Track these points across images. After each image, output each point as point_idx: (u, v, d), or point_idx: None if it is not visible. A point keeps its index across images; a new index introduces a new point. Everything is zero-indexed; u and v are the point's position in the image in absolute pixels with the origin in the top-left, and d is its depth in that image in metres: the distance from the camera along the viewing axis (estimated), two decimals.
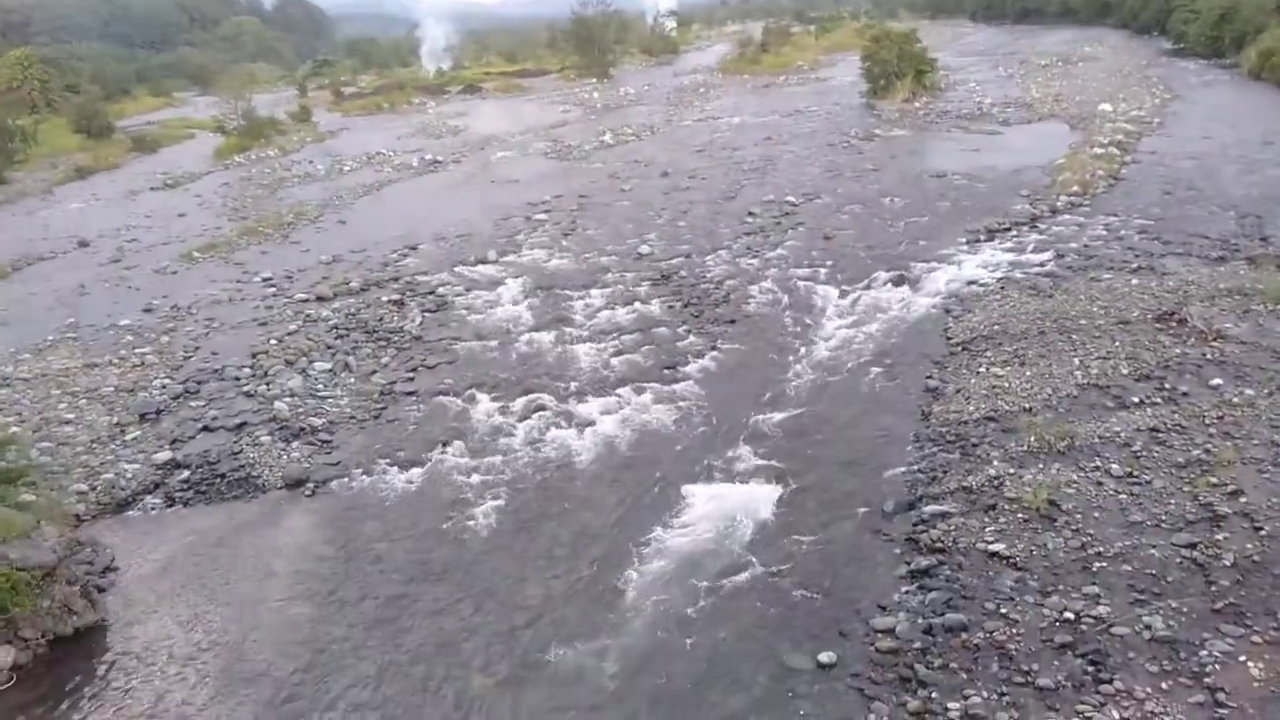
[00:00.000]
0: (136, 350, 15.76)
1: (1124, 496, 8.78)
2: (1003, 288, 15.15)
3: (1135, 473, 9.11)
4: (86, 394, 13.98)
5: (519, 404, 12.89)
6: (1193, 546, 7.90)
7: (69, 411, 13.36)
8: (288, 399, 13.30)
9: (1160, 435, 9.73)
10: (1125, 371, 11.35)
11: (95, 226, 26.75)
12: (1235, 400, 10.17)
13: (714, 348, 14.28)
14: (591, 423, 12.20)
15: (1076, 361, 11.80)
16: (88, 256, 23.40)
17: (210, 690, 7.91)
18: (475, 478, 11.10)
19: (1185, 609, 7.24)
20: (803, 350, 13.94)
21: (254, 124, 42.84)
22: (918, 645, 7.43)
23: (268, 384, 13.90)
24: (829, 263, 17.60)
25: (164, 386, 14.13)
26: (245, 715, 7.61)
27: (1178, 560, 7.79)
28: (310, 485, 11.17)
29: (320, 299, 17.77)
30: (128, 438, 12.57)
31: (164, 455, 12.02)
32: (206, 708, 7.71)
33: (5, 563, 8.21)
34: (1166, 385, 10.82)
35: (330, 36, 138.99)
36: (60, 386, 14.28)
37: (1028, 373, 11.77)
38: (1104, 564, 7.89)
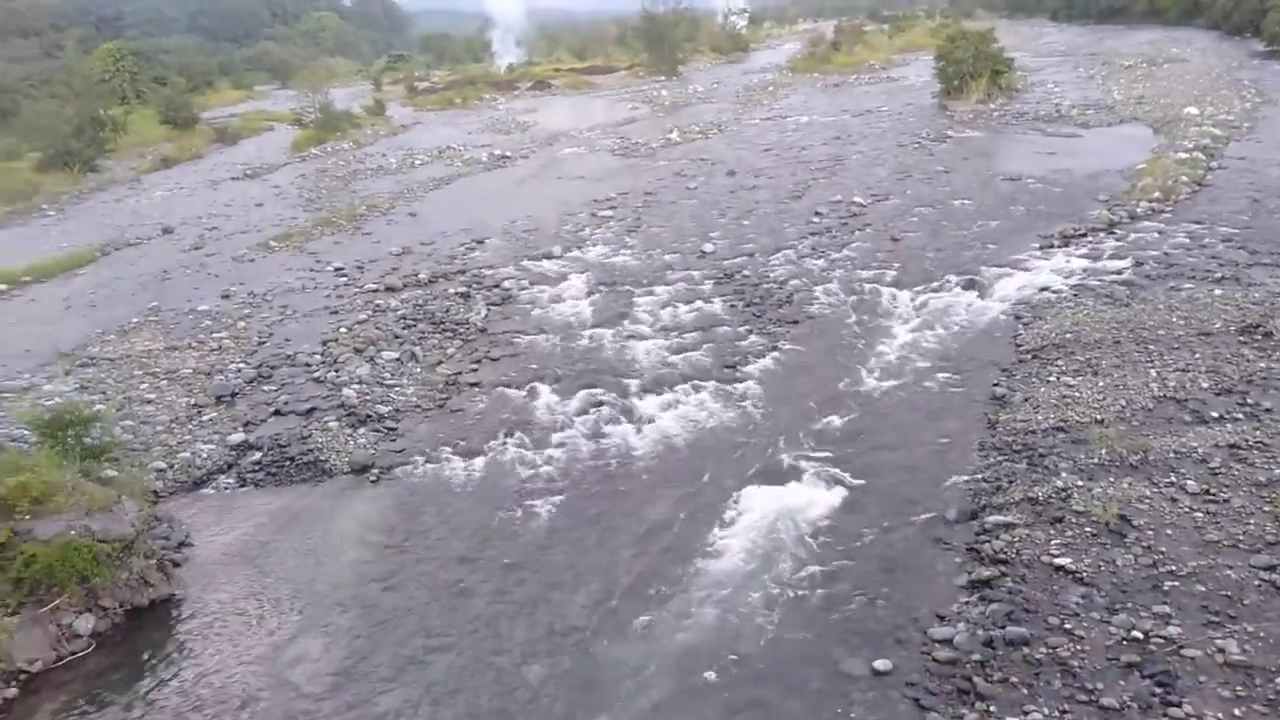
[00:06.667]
0: (214, 335, 16.32)
1: (1199, 514, 8.48)
2: (1077, 295, 14.75)
3: (1212, 490, 8.78)
4: (167, 375, 14.53)
5: (580, 398, 12.99)
6: (1272, 569, 7.60)
7: (150, 392, 13.92)
8: (355, 386, 13.62)
9: (1241, 452, 9.37)
10: (1205, 385, 10.95)
11: (178, 214, 27.74)
12: None
13: (776, 348, 14.19)
14: (651, 419, 12.25)
15: (1153, 373, 11.43)
16: (171, 243, 24.27)
17: (274, 667, 8.16)
18: (535, 470, 11.24)
19: (1262, 634, 6.97)
20: (867, 353, 13.77)
21: (330, 117, 43.81)
22: (977, 657, 7.29)
23: (337, 371, 14.25)
24: (896, 265, 17.34)
25: (239, 370, 14.61)
26: (306, 692, 7.83)
27: (1255, 583, 7.50)
28: (375, 471, 11.43)
29: (389, 289, 18.15)
30: (204, 419, 13.04)
31: (237, 437, 12.43)
32: (271, 683, 7.96)
33: (88, 534, 8.59)
34: (1249, 400, 10.41)
35: (406, 32, 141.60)
36: (142, 367, 14.88)
37: (1101, 383, 11.44)
38: (1176, 583, 7.64)
